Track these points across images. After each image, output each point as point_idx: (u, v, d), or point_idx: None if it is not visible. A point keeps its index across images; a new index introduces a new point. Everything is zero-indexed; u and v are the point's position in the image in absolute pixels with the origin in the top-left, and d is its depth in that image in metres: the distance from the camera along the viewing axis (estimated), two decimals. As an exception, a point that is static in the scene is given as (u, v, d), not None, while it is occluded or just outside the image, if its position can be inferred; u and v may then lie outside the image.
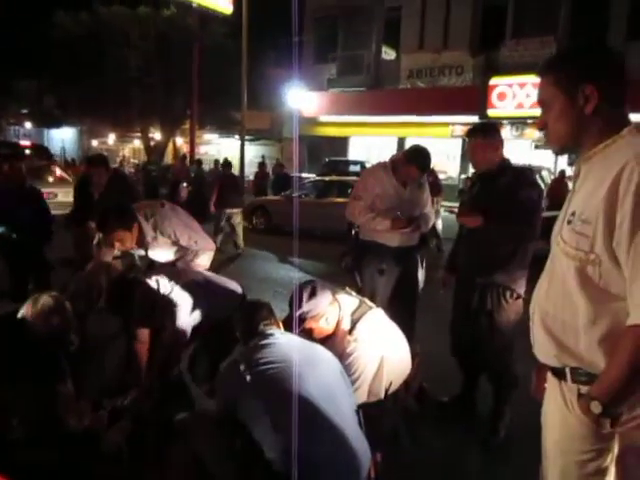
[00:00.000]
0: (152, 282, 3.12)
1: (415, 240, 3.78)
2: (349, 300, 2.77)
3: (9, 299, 4.10)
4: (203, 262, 3.79)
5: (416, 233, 3.74)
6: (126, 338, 3.67)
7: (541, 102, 1.54)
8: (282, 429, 1.95)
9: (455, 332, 3.42)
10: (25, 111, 31.10)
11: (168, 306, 3.04)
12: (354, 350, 2.55)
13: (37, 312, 2.87)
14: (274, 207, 12.26)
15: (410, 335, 3.17)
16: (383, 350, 2.62)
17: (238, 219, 9.68)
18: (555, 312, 1.51)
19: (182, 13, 19.29)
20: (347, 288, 2.96)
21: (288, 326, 2.54)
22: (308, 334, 2.56)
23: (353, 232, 11.12)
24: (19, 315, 2.89)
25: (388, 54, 20.92)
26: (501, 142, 3.13)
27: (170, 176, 15.62)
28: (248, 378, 2.08)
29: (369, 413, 2.45)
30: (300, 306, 2.50)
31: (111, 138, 29.14)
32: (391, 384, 2.65)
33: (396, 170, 3.65)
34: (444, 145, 18.68)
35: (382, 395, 2.64)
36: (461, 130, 18.50)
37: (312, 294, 2.53)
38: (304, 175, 16.88)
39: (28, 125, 32.04)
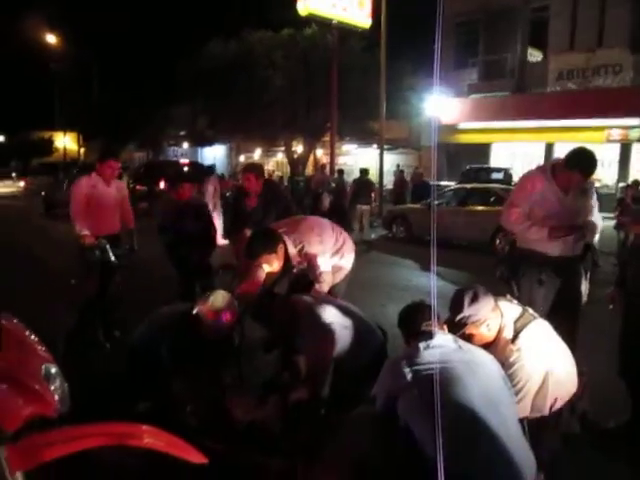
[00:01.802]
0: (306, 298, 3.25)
1: (579, 249, 3.53)
2: (511, 308, 2.66)
3: (180, 301, 4.55)
4: (347, 265, 3.89)
5: (580, 242, 3.49)
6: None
7: None
8: (440, 431, 1.94)
9: (626, 352, 3.14)
10: (182, 133, 34.31)
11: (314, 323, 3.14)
12: (517, 360, 2.45)
13: (209, 309, 3.15)
14: (414, 216, 12.18)
15: (571, 352, 2.97)
16: (548, 363, 2.48)
17: (367, 215, 12.68)
18: None
19: (322, 31, 20.00)
20: (508, 296, 2.85)
21: (448, 331, 2.51)
22: (468, 340, 2.51)
23: (498, 241, 10.68)
24: (194, 311, 3.20)
25: (534, 56, 19.84)
26: None
27: (312, 186, 16.25)
28: (409, 377, 2.10)
29: (530, 429, 2.34)
30: (461, 311, 2.46)
31: (257, 153, 31.02)
32: (556, 401, 2.51)
33: (557, 175, 3.44)
34: (598, 151, 17.11)
35: (546, 412, 2.50)
36: (618, 134, 16.92)
37: (474, 299, 2.47)
38: (443, 183, 16.55)
39: (185, 145, 35.28)
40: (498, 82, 19.47)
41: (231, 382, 3.39)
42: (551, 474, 2.45)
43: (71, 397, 1.72)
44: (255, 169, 5.23)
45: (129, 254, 4.90)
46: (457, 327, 2.48)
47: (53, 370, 1.59)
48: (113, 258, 4.63)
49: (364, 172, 13.52)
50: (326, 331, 3.05)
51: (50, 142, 40.62)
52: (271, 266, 3.62)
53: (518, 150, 20.41)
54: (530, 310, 2.72)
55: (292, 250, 3.64)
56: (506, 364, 2.42)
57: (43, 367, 1.56)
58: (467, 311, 2.46)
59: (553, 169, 3.49)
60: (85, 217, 4.60)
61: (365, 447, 2.27)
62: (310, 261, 3.66)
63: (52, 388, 1.55)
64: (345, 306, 3.34)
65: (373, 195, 13.18)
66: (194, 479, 2.38)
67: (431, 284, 7.62)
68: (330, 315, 3.14)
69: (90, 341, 4.67)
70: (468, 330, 2.49)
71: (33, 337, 1.66)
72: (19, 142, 39.96)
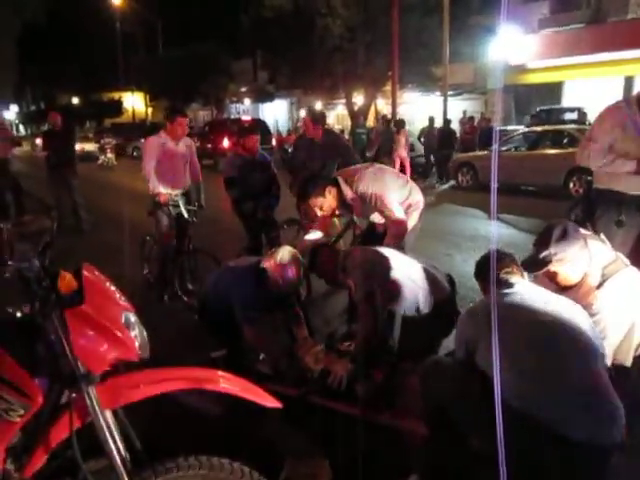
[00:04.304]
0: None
1: (665, 187, 3.28)
2: (603, 252, 2.49)
3: (247, 254, 4.66)
4: (415, 215, 3.83)
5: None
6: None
7: None
8: (521, 379, 1.91)
9: None
10: (244, 89, 34.38)
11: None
12: (600, 309, 2.32)
13: (276, 264, 3.21)
14: (480, 163, 11.80)
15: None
16: (634, 315, 2.34)
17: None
18: None
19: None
20: (602, 236, 2.68)
21: (529, 266, 2.40)
22: (550, 278, 2.41)
23: (572, 184, 10.21)
24: (261, 265, 3.27)
25: (614, -20, 18.14)
26: None
27: (373, 138, 15.99)
28: (486, 323, 2.06)
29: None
30: (547, 246, 2.33)
31: (317, 107, 30.71)
32: (638, 348, 2.39)
33: None
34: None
35: (629, 363, 2.39)
36: None
37: (563, 235, 2.32)
38: (511, 128, 15.81)
39: (247, 102, 35.34)
40: (572, 14, 18.00)
41: (301, 332, 3.46)
42: (632, 422, 2.37)
43: (153, 346, 1.82)
44: (311, 113, 5.33)
45: (198, 210, 5.03)
46: (541, 264, 2.36)
47: (132, 318, 1.67)
48: (186, 214, 4.78)
49: (447, 122, 15.30)
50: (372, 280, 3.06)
51: (119, 103, 41.68)
52: (323, 209, 3.66)
53: (593, 87, 19.02)
54: (623, 257, 2.56)
55: (344, 186, 3.63)
56: (589, 312, 2.30)
57: (123, 315, 1.64)
58: (553, 248, 2.31)
59: (639, 101, 3.22)
60: (157, 175, 4.74)
61: (439, 395, 2.28)
62: (381, 207, 3.62)
63: (132, 335, 1.63)
64: (409, 257, 3.31)
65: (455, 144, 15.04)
66: (267, 424, 2.51)
67: (499, 232, 7.42)
68: (393, 267, 3.12)
69: (167, 293, 4.91)
70: (552, 267, 2.36)
71: (112, 287, 1.74)
72: (92, 103, 41.30)
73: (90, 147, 23.52)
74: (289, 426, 2.68)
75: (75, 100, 42.94)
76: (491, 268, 2.26)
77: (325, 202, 3.62)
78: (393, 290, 3.06)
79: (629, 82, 17.45)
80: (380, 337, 3.10)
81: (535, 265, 2.38)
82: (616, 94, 17.46)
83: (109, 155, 20.34)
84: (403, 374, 2.86)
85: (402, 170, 13.89)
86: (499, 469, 1.94)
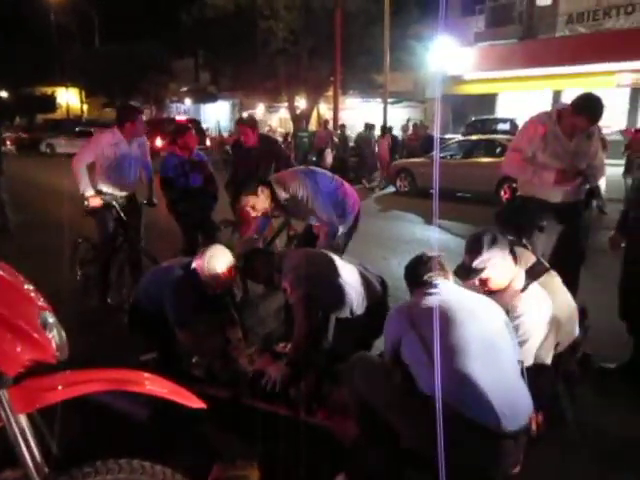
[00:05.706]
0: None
1: (581, 195, 3.49)
2: (526, 257, 2.63)
3: (184, 256, 4.55)
4: (348, 222, 3.86)
5: (582, 187, 3.45)
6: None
7: None
8: (433, 368, 1.98)
9: (625, 294, 3.15)
10: (184, 89, 33.74)
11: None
12: (525, 311, 2.42)
13: (206, 264, 3.14)
14: (418, 169, 12.08)
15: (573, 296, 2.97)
16: (555, 316, 2.48)
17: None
18: None
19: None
20: (525, 241, 2.83)
21: (462, 274, 2.48)
22: (483, 284, 2.50)
23: (503, 191, 10.66)
24: (192, 266, 3.20)
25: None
26: None
27: (316, 143, 16.12)
28: (409, 322, 2.15)
29: (530, 371, 2.37)
30: (479, 253, 2.42)
31: (260, 109, 30.57)
32: (558, 345, 2.53)
33: (562, 120, 3.36)
34: (608, 96, 16.72)
35: (548, 361, 2.52)
36: (631, 79, 16.46)
37: (493, 242, 2.42)
38: (448, 136, 16.35)
39: (188, 102, 34.69)
40: (506, 29, 18.84)
41: (234, 334, 3.43)
42: (550, 415, 2.51)
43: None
44: (245, 121, 5.31)
45: (149, 206, 4.87)
46: (474, 271, 2.43)
47: (50, 319, 1.60)
48: (124, 216, 4.57)
49: (389, 129, 15.68)
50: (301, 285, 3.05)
51: (53, 98, 39.66)
52: (256, 209, 3.69)
53: (525, 100, 19.97)
54: (544, 262, 2.70)
55: (278, 188, 3.67)
56: (514, 314, 2.41)
57: (40, 315, 1.57)
58: (486, 254, 2.40)
59: (559, 114, 3.41)
60: (101, 175, 4.54)
61: (363, 392, 2.32)
62: (312, 207, 3.65)
63: (50, 335, 1.56)
64: (343, 260, 3.34)
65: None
66: (197, 426, 2.47)
67: (434, 237, 7.64)
68: (328, 269, 3.14)
69: (109, 296, 4.74)
70: (485, 274, 2.45)
71: (29, 287, 1.67)
72: (22, 98, 39.03)
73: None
74: (219, 428, 2.65)
75: (4, 94, 40.63)
76: (430, 270, 2.34)
77: (258, 202, 3.63)
78: (328, 292, 3.08)
79: (557, 95, 18.45)
80: (315, 339, 3.11)
81: (468, 273, 2.46)
82: (545, 107, 18.32)
83: (9, 147, 23.52)
84: (335, 375, 2.88)
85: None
86: (425, 465, 2.01)
